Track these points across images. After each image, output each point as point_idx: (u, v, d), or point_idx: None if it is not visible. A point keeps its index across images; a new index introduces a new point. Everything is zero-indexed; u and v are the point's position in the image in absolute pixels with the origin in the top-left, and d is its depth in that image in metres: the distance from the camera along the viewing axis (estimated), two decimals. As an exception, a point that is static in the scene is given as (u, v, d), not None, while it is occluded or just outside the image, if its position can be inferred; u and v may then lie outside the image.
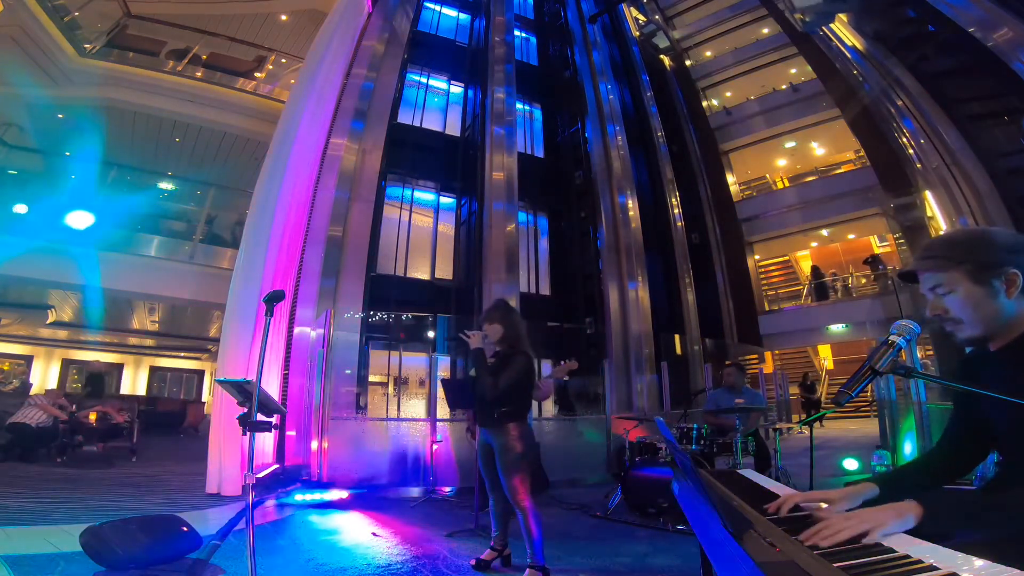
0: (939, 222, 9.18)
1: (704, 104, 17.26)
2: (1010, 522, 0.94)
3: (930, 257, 1.19)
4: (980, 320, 1.13)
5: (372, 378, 7.78)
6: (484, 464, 3.15)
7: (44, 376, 15.61)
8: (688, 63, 17.90)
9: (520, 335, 3.13)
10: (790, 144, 16.59)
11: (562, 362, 4.15)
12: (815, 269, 15.56)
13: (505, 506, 3.11)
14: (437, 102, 10.23)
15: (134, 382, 17.57)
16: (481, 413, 3.14)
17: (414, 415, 7.28)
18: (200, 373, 18.80)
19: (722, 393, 5.36)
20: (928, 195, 9.43)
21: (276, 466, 5.63)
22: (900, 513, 0.98)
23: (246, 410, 2.68)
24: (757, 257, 16.27)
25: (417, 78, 10.04)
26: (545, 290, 9.53)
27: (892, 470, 1.43)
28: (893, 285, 11.74)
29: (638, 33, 16.15)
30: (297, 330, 6.50)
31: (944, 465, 1.33)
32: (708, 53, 18.09)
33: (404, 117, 9.26)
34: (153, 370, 18.09)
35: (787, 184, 17.00)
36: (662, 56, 17.12)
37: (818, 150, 16.70)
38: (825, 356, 17.39)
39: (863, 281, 14.56)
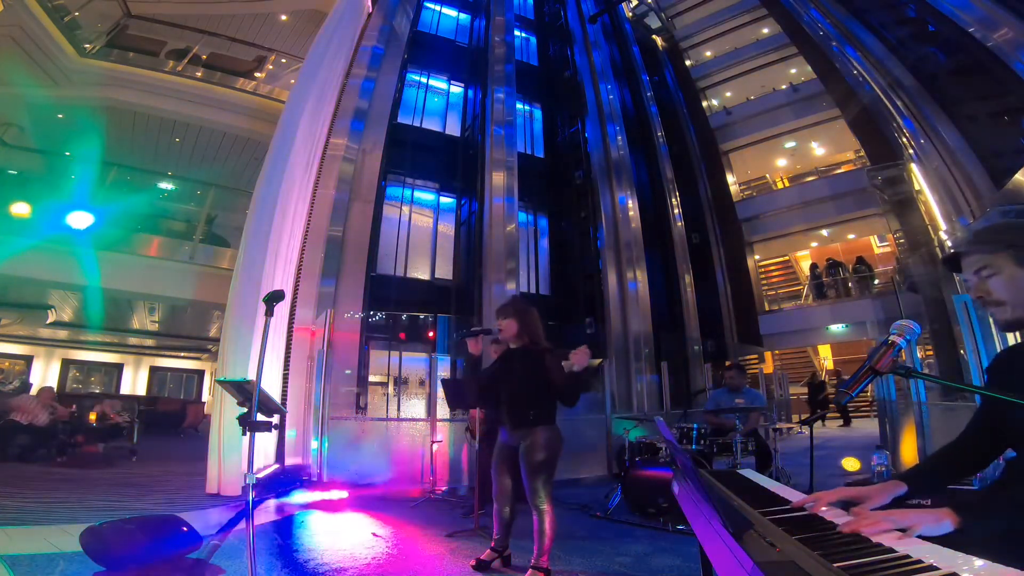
0: (927, 196, 9.20)
1: (704, 104, 17.26)
2: None
3: (979, 241, 1.25)
4: (1021, 302, 1.17)
5: (372, 378, 7.78)
6: (501, 465, 3.06)
7: (44, 376, 15.59)
8: (688, 63, 17.90)
9: (539, 332, 3.06)
10: (790, 144, 16.60)
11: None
12: (814, 267, 15.57)
13: (512, 508, 3.09)
14: (437, 102, 10.23)
15: (134, 382, 17.55)
16: (512, 413, 2.98)
17: (414, 415, 7.28)
18: (200, 373, 18.78)
19: (722, 393, 5.37)
20: (914, 168, 9.48)
21: (276, 466, 5.63)
22: (938, 519, 1.00)
23: (246, 410, 2.69)
24: (757, 257, 16.27)
25: (417, 78, 10.04)
26: (545, 290, 9.54)
27: (915, 466, 1.45)
28: (894, 285, 11.74)
29: (631, 14, 16.20)
30: (297, 330, 6.50)
31: (964, 460, 1.34)
32: (708, 53, 18.09)
33: (404, 117, 9.27)
34: (153, 370, 18.07)
35: (787, 184, 17.01)
36: (654, 36, 17.19)
37: (818, 150, 16.71)
38: (825, 356, 17.40)
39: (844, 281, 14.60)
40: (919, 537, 0.96)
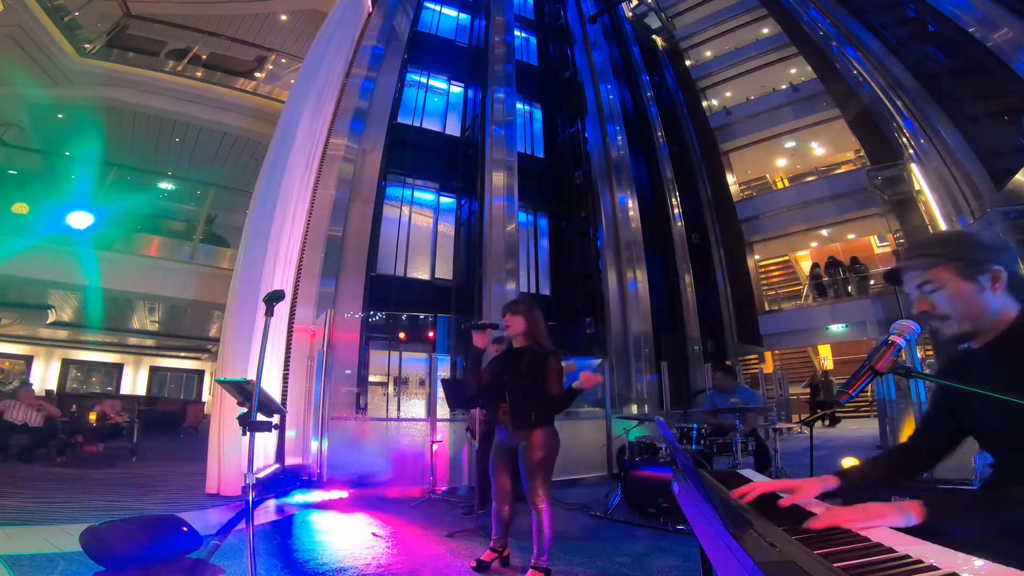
0: (927, 196, 9.21)
1: (704, 104, 17.26)
2: (1010, 517, 0.96)
3: (921, 255, 1.23)
4: (967, 315, 1.17)
5: (372, 378, 7.78)
6: (499, 465, 3.07)
7: (44, 376, 15.60)
8: (688, 63, 17.90)
9: (544, 332, 3.10)
10: (790, 144, 16.59)
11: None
12: (814, 267, 15.56)
13: (511, 507, 3.09)
14: (437, 102, 10.23)
15: (134, 382, 17.56)
16: (515, 413, 2.98)
17: (414, 415, 7.28)
18: (200, 373, 18.79)
19: (715, 394, 5.39)
20: (914, 168, 9.49)
21: (276, 466, 5.63)
22: (902, 510, 1.01)
23: (246, 410, 2.68)
24: (757, 257, 16.27)
25: (417, 78, 10.03)
26: (545, 290, 9.53)
27: (855, 465, 1.49)
28: (893, 286, 11.72)
29: (631, 14, 16.21)
30: (297, 330, 6.50)
31: (910, 460, 1.37)
32: (708, 53, 18.09)
33: (404, 117, 9.26)
34: (153, 370, 18.08)
35: (787, 184, 17.00)
36: (654, 36, 17.20)
37: (818, 150, 16.70)
38: (825, 356, 17.39)
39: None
40: (907, 531, 0.97)
